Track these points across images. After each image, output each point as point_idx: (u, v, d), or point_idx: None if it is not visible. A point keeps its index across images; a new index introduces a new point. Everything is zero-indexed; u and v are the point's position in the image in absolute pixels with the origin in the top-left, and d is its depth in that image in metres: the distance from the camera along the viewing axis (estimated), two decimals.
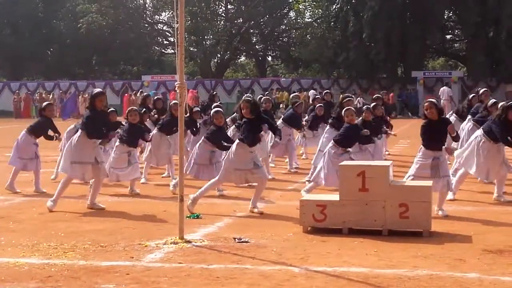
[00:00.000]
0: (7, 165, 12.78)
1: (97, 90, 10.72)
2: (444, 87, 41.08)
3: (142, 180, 13.16)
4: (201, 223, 9.19)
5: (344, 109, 11.99)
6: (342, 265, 6.89)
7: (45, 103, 13.01)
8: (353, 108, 11.94)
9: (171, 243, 7.87)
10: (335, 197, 8.64)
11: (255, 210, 10.00)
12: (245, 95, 14.33)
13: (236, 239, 8.10)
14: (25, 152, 12.35)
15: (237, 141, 10.20)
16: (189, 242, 7.94)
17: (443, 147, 9.71)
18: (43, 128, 12.51)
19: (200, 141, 11.74)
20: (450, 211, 9.81)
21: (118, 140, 12.17)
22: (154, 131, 13.55)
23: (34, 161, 12.36)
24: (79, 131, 10.57)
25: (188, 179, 11.55)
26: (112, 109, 13.08)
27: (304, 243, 7.95)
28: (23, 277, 6.50)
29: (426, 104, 9.87)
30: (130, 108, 13.02)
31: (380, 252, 7.45)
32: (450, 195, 10.80)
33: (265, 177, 10.40)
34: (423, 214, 8.27)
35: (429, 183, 8.87)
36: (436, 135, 9.63)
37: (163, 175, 14.25)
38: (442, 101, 38.76)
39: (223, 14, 59.79)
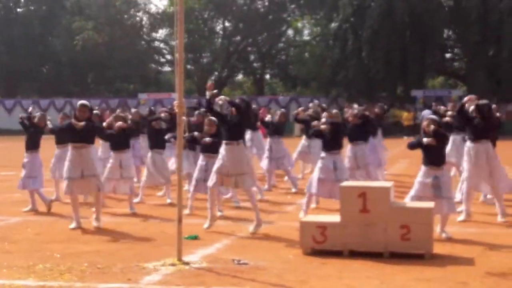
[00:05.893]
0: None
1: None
2: (426, 110, 41.43)
3: (137, 200, 12.97)
4: (199, 245, 9.06)
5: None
6: None
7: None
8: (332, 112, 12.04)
9: (169, 265, 7.76)
10: (336, 218, 8.53)
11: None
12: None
13: (235, 261, 7.98)
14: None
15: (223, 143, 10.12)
16: (187, 264, 7.83)
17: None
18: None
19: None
20: (452, 233, 9.70)
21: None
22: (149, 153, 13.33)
23: None
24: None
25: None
26: (95, 111, 13.81)
27: (304, 265, 7.83)
28: None
29: (427, 121, 9.80)
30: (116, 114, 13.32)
31: (381, 275, 7.33)
32: (462, 216, 10.77)
33: (248, 186, 10.04)
34: (425, 236, 8.17)
35: (430, 204, 8.75)
36: (433, 151, 9.55)
37: (159, 194, 14.07)
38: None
39: (220, 31, 59.89)
